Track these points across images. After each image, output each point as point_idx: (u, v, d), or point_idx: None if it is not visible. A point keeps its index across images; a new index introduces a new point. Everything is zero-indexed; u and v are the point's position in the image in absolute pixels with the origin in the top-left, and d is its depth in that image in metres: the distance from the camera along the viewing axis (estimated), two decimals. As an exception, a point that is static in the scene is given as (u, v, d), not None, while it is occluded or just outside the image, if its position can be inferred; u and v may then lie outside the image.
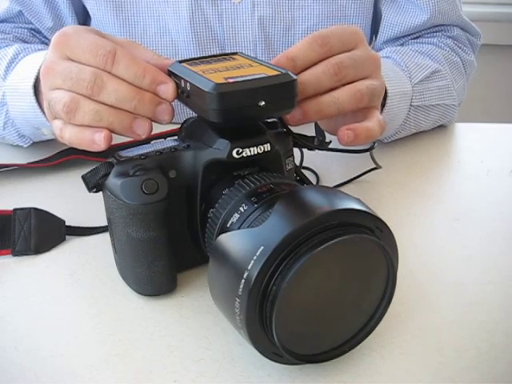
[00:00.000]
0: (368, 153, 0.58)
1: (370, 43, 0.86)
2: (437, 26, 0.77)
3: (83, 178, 0.43)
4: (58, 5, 0.75)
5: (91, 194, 0.43)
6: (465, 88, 0.78)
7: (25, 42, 0.74)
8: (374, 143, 0.57)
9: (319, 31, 0.49)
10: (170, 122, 0.46)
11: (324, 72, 0.47)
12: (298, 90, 0.43)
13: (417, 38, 0.78)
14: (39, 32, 0.77)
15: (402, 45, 0.77)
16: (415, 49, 0.73)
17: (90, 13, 0.77)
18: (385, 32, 0.77)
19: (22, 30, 0.76)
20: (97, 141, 0.45)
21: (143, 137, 0.46)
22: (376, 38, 0.81)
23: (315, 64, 0.48)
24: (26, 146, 0.67)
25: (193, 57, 0.48)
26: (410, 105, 0.67)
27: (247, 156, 0.41)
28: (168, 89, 0.45)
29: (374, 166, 0.59)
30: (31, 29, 0.77)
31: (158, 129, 0.67)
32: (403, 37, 0.78)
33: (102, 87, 0.44)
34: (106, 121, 0.45)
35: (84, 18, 0.80)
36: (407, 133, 0.70)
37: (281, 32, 0.74)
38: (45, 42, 0.76)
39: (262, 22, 0.73)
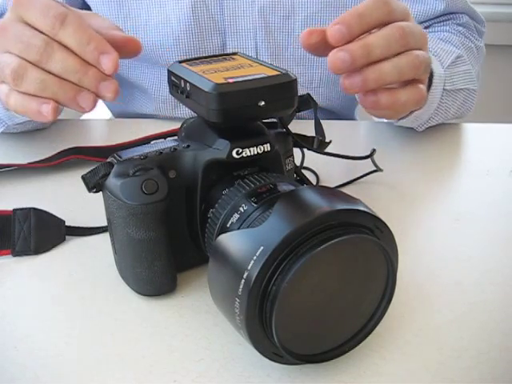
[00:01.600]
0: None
1: None
2: (447, 14, 0.78)
3: (83, 178, 0.43)
4: None
5: (91, 194, 0.43)
6: (479, 74, 0.78)
7: None
8: (374, 150, 0.58)
9: None
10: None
11: (392, 34, 0.46)
12: (363, 54, 0.42)
13: (427, 27, 0.79)
14: None
15: None
16: (432, 36, 0.74)
17: (92, 7, 0.77)
18: None
19: None
20: (44, 112, 0.45)
21: (87, 110, 0.46)
22: None
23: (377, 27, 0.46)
24: (1, 130, 0.66)
25: (193, 57, 0.48)
26: (443, 88, 0.66)
27: (247, 156, 0.41)
28: (109, 60, 0.44)
29: (374, 168, 0.59)
30: None
31: (158, 129, 0.67)
32: None
33: (50, 55, 0.44)
34: (50, 91, 0.45)
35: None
36: (437, 120, 0.70)
37: (281, 20, 0.75)
38: None
39: (262, 10, 0.74)
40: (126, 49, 0.47)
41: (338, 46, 0.45)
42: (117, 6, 0.75)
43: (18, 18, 0.46)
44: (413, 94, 0.50)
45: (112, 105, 0.92)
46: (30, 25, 0.45)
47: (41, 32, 0.45)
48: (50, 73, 0.45)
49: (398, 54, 0.47)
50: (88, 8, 0.78)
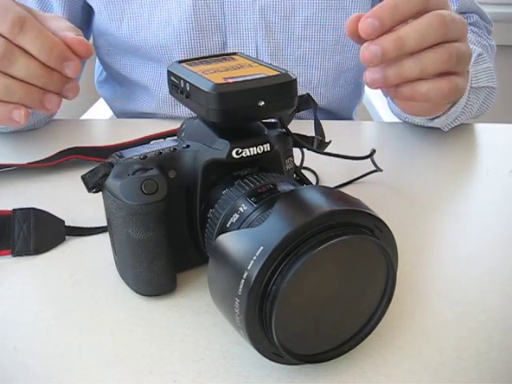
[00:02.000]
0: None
1: None
2: (458, 13, 0.77)
3: (83, 178, 0.43)
4: (51, 9, 0.76)
5: (91, 194, 0.43)
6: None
7: None
8: (374, 150, 0.58)
9: None
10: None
11: (429, 24, 0.44)
12: (395, 47, 0.42)
13: None
14: None
15: None
16: None
17: (95, 9, 0.77)
18: None
19: None
20: (16, 117, 0.46)
21: (53, 111, 0.47)
22: None
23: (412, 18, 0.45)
24: None
25: (193, 57, 0.48)
26: (470, 86, 0.65)
27: (247, 156, 0.41)
28: (72, 66, 0.46)
29: (374, 168, 0.59)
30: None
31: (157, 129, 0.67)
32: None
33: (12, 61, 0.44)
34: (17, 96, 0.45)
35: (86, 17, 0.80)
36: (462, 120, 0.70)
37: (281, 20, 0.75)
38: None
39: (262, 9, 0.74)
40: (77, 51, 0.47)
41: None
42: (118, 6, 0.75)
43: None
44: (437, 86, 0.48)
45: (113, 104, 0.92)
46: None
47: (1, 35, 0.45)
48: (14, 78, 0.45)
49: (438, 43, 0.46)
50: (90, 8, 0.79)
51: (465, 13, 0.79)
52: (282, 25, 0.75)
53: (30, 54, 0.45)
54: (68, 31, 0.48)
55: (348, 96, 0.86)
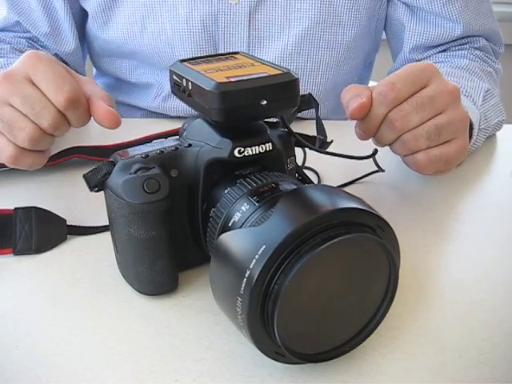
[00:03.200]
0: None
1: (371, 53, 0.86)
2: (463, 38, 0.77)
3: (84, 177, 0.43)
4: (55, 10, 0.76)
5: (92, 193, 0.43)
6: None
7: (21, 52, 0.75)
8: (376, 150, 0.57)
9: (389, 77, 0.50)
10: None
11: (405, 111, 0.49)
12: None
13: (444, 50, 0.78)
14: (37, 41, 0.78)
15: (427, 58, 0.77)
16: (454, 65, 0.73)
17: (90, 14, 0.77)
18: (410, 41, 0.77)
19: (20, 39, 0.77)
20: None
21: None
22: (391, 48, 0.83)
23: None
24: None
25: (194, 56, 0.48)
26: (479, 129, 0.65)
27: (249, 155, 0.41)
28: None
29: (376, 168, 0.59)
30: (29, 38, 0.78)
31: (159, 129, 0.67)
32: (430, 48, 0.78)
33: (58, 129, 0.50)
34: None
35: (82, 18, 0.81)
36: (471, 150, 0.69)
37: (275, 34, 0.75)
38: (42, 49, 0.77)
39: (257, 23, 0.73)
40: (104, 123, 0.50)
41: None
42: (112, 12, 0.75)
43: (26, 77, 0.49)
44: (416, 159, 0.51)
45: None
46: (40, 90, 0.48)
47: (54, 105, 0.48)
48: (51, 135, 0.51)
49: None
50: (85, 15, 0.79)
51: (471, 36, 0.77)
52: (275, 38, 0.75)
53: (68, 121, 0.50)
54: (102, 100, 0.50)
55: (338, 107, 0.85)
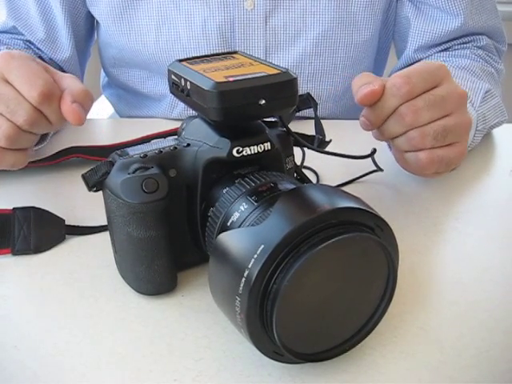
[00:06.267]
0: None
1: (382, 53, 0.86)
2: (466, 36, 0.77)
3: (83, 176, 0.43)
4: (53, 16, 0.76)
5: (91, 193, 0.43)
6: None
7: None
8: (375, 149, 0.57)
9: (402, 71, 0.50)
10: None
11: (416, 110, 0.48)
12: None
13: (446, 49, 0.78)
14: (34, 43, 0.77)
15: (429, 57, 0.77)
16: (455, 65, 0.72)
17: (102, 23, 0.77)
18: (415, 40, 0.77)
19: (18, 41, 0.77)
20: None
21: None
22: (396, 45, 0.82)
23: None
24: None
25: (193, 56, 0.48)
26: (476, 130, 0.65)
27: (247, 155, 0.41)
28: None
29: (374, 167, 0.59)
30: (26, 40, 0.77)
31: (157, 129, 0.67)
32: (433, 46, 0.77)
33: (34, 125, 0.50)
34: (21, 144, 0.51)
35: (88, 26, 0.80)
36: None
37: (292, 38, 0.74)
38: (38, 53, 0.77)
39: (273, 28, 0.73)
40: (68, 118, 0.49)
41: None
42: (126, 21, 0.75)
43: (0, 76, 0.49)
44: (417, 157, 0.51)
45: (117, 106, 0.92)
46: (14, 87, 0.48)
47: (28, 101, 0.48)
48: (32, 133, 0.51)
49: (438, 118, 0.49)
50: (93, 20, 0.78)
51: (473, 34, 0.77)
52: (292, 43, 0.75)
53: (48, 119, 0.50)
54: (73, 95, 0.49)
55: (354, 106, 0.85)
